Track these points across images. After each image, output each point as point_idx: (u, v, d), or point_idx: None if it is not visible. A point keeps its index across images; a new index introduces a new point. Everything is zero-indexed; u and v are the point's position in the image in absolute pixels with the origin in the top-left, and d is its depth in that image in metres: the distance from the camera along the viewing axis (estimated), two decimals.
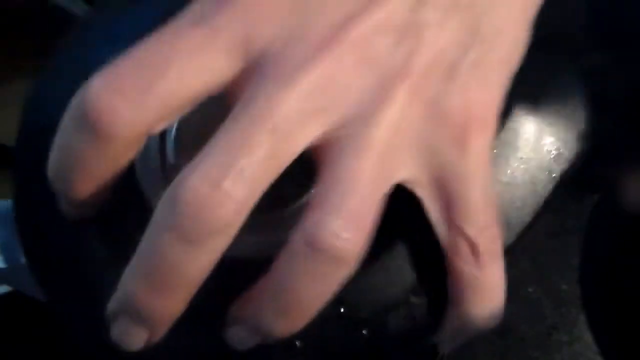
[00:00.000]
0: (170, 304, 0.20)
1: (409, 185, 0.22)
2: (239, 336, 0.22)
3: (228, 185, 0.19)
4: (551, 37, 0.24)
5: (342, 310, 0.24)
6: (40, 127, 0.25)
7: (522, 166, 0.26)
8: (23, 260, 0.30)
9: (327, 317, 0.22)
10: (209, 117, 0.21)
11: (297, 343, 0.24)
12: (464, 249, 0.22)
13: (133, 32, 0.25)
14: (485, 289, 0.23)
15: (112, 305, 0.21)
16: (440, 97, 0.21)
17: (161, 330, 0.20)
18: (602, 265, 0.32)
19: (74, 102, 0.20)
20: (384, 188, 0.21)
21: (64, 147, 0.20)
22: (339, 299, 0.22)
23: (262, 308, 0.21)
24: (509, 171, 0.25)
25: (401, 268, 0.24)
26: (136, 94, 0.19)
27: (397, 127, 0.21)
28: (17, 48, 0.44)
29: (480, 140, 0.22)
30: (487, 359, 0.32)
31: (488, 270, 0.23)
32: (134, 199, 0.23)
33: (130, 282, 0.20)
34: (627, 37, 0.34)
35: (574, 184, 0.29)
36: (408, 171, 0.22)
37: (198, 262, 0.19)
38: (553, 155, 0.26)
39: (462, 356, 0.29)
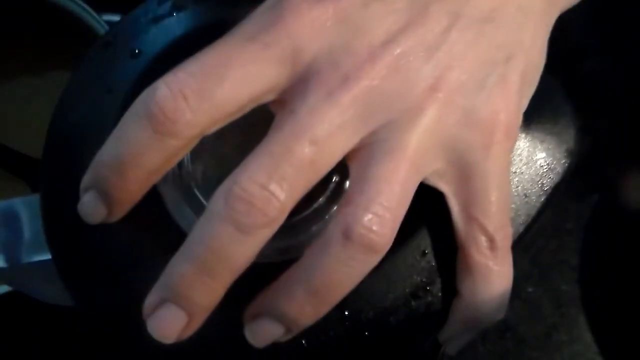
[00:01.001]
0: (215, 287, 0.21)
1: (433, 181, 0.24)
2: (261, 330, 0.23)
3: (273, 188, 0.21)
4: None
5: (346, 313, 0.24)
6: (67, 134, 0.27)
7: (515, 179, 0.27)
8: (24, 260, 0.30)
9: (332, 319, 0.23)
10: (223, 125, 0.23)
11: (303, 342, 0.24)
12: (482, 242, 0.24)
13: (155, 49, 0.26)
14: (497, 281, 0.24)
15: (155, 292, 0.22)
16: (471, 106, 0.23)
17: (200, 318, 0.22)
18: (601, 265, 0.32)
19: (139, 101, 0.22)
20: (415, 184, 0.23)
21: (124, 139, 0.22)
22: (343, 302, 0.22)
23: (292, 293, 0.22)
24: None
25: (401, 273, 0.25)
26: (196, 99, 0.21)
27: (430, 131, 0.22)
28: (15, 51, 0.44)
29: (504, 145, 0.24)
30: (488, 359, 0.32)
31: (501, 265, 0.24)
32: (151, 200, 0.23)
33: (180, 266, 0.21)
34: (626, 39, 0.34)
35: (574, 184, 0.29)
36: (436, 168, 0.23)
37: (245, 249, 0.21)
38: (545, 170, 0.28)
39: (463, 356, 0.30)
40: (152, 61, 0.26)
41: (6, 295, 0.37)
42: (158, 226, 0.25)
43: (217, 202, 0.21)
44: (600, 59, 0.34)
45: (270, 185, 0.21)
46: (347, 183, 0.25)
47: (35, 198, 0.28)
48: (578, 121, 0.29)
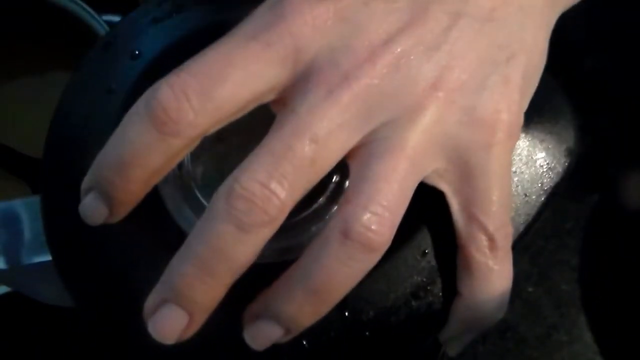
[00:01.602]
0: (216, 287, 0.21)
1: (433, 180, 0.24)
2: (260, 331, 0.23)
3: (274, 186, 0.21)
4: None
5: (346, 313, 0.24)
6: (67, 134, 0.27)
7: (515, 179, 0.27)
8: (24, 261, 0.30)
9: (333, 319, 0.23)
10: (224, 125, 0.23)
11: (304, 342, 0.24)
12: (483, 242, 0.24)
13: (154, 50, 0.27)
14: (497, 281, 0.24)
15: (156, 293, 0.22)
16: (472, 105, 0.23)
17: (201, 318, 0.22)
18: (601, 265, 0.32)
19: (141, 102, 0.22)
20: (414, 183, 0.23)
21: (126, 140, 0.22)
22: (343, 303, 0.22)
23: (291, 293, 0.22)
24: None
25: (402, 273, 0.25)
26: (198, 99, 0.21)
27: (430, 131, 0.22)
28: (15, 51, 0.44)
29: (506, 145, 0.24)
30: (488, 359, 0.32)
31: (501, 264, 0.24)
32: (151, 201, 0.24)
33: (181, 266, 0.21)
34: (626, 38, 0.34)
35: (574, 184, 0.29)
36: (436, 167, 0.23)
37: (246, 249, 0.21)
38: (544, 170, 0.28)
39: (463, 356, 0.30)
40: (152, 62, 0.26)
41: (6, 296, 0.37)
42: (158, 226, 0.25)
43: (218, 201, 0.21)
44: (600, 58, 0.34)
45: (271, 184, 0.21)
46: (347, 183, 0.25)
47: (35, 199, 0.28)
48: (578, 121, 0.29)
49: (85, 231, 0.24)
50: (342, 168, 0.24)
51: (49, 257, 0.27)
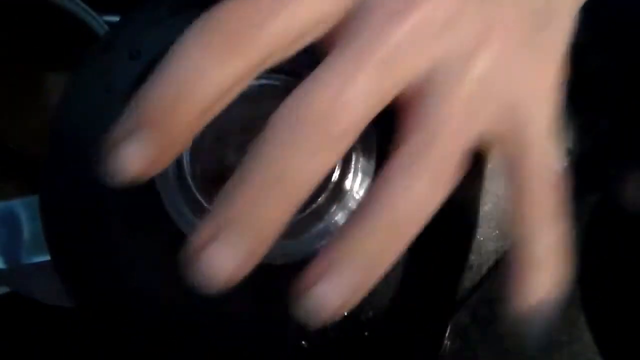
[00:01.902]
0: (280, 212, 0.20)
1: (484, 144, 0.23)
2: (326, 296, 0.20)
3: (345, 101, 0.20)
4: None
5: (345, 313, 0.24)
6: (67, 135, 0.27)
7: None
8: (23, 261, 0.30)
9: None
10: (223, 125, 0.23)
11: (303, 343, 0.24)
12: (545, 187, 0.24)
13: (154, 51, 0.27)
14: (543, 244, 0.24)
15: (203, 228, 0.20)
16: (527, 51, 0.23)
17: (260, 251, 0.20)
18: (601, 265, 0.32)
19: (196, 28, 0.20)
20: (466, 141, 0.22)
21: (181, 67, 0.20)
22: None
23: (371, 228, 0.21)
24: (504, 184, 0.26)
25: (401, 274, 0.25)
26: (255, 28, 0.20)
27: (486, 77, 0.22)
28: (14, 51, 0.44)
29: (556, 98, 0.24)
30: (488, 359, 0.32)
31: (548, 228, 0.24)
32: (150, 201, 0.23)
33: (239, 191, 0.20)
34: (627, 38, 0.34)
35: (574, 184, 0.29)
36: (488, 125, 0.23)
37: (310, 169, 0.20)
38: None
39: (463, 356, 0.30)
40: (152, 62, 0.26)
41: (6, 296, 0.37)
42: (157, 227, 0.25)
43: (280, 120, 0.20)
44: (601, 58, 0.34)
45: (341, 98, 0.20)
46: (347, 182, 0.25)
47: (34, 199, 0.28)
48: (578, 121, 0.29)
49: (84, 231, 0.24)
50: (341, 167, 0.24)
51: (48, 257, 0.27)
